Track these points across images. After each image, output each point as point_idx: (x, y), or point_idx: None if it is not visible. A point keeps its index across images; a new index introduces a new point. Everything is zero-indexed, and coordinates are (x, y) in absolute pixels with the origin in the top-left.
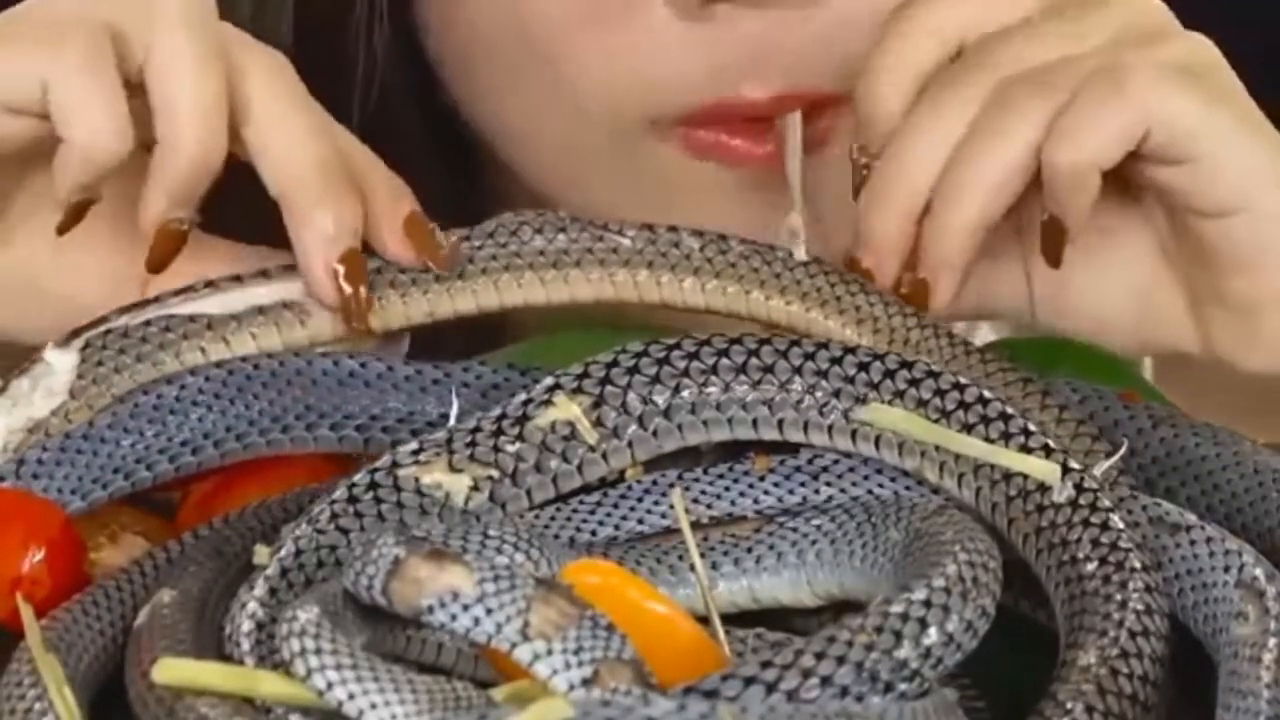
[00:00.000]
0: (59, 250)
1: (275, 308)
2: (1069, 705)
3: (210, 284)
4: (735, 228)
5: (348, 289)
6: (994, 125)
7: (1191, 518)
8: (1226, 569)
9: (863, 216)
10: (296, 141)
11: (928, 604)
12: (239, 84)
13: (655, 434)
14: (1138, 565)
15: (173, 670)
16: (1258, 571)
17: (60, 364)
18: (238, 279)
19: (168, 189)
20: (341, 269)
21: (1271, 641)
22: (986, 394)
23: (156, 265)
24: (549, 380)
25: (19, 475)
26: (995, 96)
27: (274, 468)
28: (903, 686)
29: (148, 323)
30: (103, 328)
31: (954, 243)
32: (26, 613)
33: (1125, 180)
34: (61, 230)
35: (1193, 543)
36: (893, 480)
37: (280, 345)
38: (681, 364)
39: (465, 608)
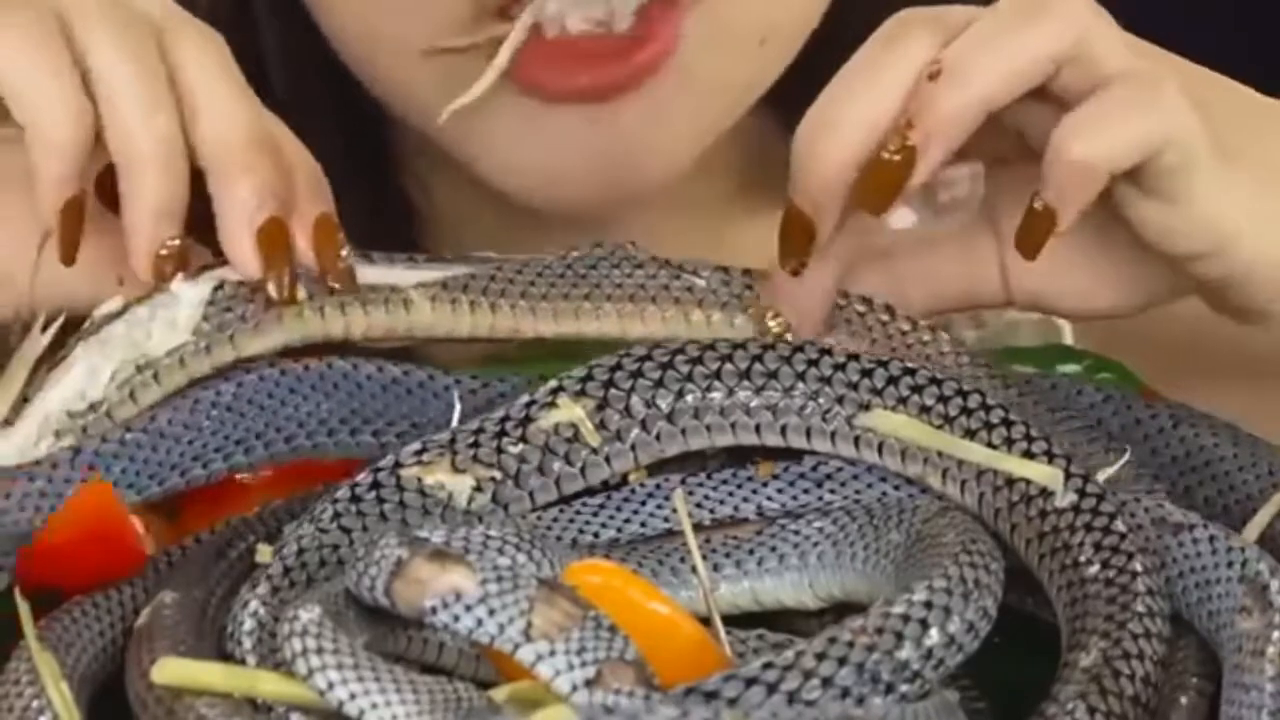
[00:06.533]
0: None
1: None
2: (1070, 705)
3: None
4: None
5: (267, 259)
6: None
7: (1194, 517)
8: (1230, 565)
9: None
10: (224, 111)
11: (929, 605)
12: (170, 58)
13: (658, 437)
14: (1140, 569)
15: (172, 670)
16: (1261, 566)
17: (188, 297)
18: (412, 259)
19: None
20: (262, 238)
21: (1276, 634)
22: (989, 400)
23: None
24: (552, 382)
25: (73, 465)
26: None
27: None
28: (904, 688)
29: None
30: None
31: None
32: (24, 611)
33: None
34: (66, 241)
35: (1195, 541)
36: (896, 487)
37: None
38: (685, 368)
39: (468, 608)
